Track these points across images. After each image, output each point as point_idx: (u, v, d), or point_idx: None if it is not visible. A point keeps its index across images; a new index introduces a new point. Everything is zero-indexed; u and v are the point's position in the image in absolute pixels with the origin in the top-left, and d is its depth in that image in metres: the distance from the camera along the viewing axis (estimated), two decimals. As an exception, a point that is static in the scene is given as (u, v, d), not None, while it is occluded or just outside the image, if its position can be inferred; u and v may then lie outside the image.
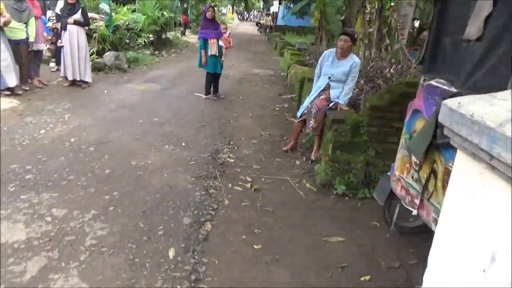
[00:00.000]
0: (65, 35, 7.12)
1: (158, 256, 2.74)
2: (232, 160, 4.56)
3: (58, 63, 8.18)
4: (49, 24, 8.36)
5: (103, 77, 8.67)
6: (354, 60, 4.42)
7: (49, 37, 8.28)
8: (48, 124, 5.24)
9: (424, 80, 2.69)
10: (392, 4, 7.52)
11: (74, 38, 7.15)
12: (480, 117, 1.01)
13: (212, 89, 7.57)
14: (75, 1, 7.15)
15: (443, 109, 1.19)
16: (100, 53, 9.46)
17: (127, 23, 11.32)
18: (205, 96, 7.51)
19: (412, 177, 2.69)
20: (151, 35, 13.30)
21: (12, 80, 6.27)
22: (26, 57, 6.73)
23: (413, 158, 2.66)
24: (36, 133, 4.85)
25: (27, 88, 6.75)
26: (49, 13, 8.72)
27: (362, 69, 6.27)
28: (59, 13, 7.46)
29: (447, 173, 2.26)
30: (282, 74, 10.94)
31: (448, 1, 2.58)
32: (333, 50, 4.60)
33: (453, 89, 2.32)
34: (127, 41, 11.08)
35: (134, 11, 12.73)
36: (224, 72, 8.11)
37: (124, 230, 3.01)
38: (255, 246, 2.96)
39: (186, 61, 12.17)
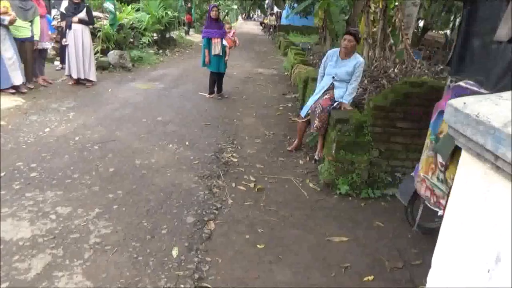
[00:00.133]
0: (69, 34, 7.15)
1: (161, 254, 2.76)
2: (236, 160, 4.57)
3: (62, 61, 8.22)
4: (54, 22, 8.41)
5: (107, 76, 8.70)
6: (358, 59, 4.42)
7: (54, 36, 8.33)
8: (52, 122, 5.27)
9: (451, 81, 2.68)
10: (397, 3, 7.49)
11: (78, 37, 7.18)
12: (486, 117, 1.01)
13: (215, 89, 7.58)
14: (80, 0, 7.17)
15: (448, 109, 1.18)
16: (104, 52, 9.50)
17: (131, 22, 11.34)
18: (209, 96, 7.52)
19: (438, 178, 2.70)
20: (155, 34, 13.32)
21: (18, 78, 6.31)
22: (31, 56, 6.77)
23: (439, 159, 2.67)
24: (40, 131, 4.87)
25: (32, 87, 6.79)
26: (54, 12, 8.76)
27: (366, 69, 6.26)
28: (64, 12, 7.50)
29: None
30: (285, 73, 10.94)
31: (478, 2, 2.58)
32: (337, 50, 4.60)
33: (483, 91, 2.31)
34: (131, 40, 11.10)
35: (138, 10, 12.76)
36: (228, 71, 8.12)
37: (128, 229, 3.02)
38: (258, 246, 2.97)
39: (190, 61, 12.18)
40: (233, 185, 3.93)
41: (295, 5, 18.50)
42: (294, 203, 3.68)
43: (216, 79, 7.50)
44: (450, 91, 2.67)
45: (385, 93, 4.02)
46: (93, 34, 8.57)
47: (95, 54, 8.41)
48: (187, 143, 4.94)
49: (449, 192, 2.52)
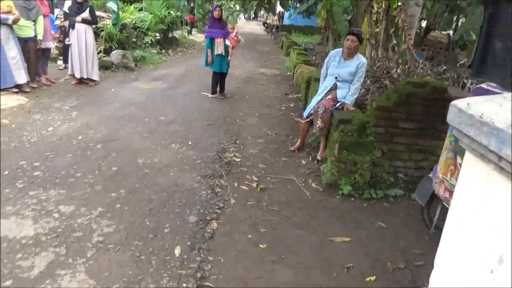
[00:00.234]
0: (73, 34, 7.17)
1: (164, 253, 2.76)
2: (238, 159, 4.57)
3: (65, 61, 8.24)
4: (57, 22, 8.43)
5: (110, 76, 8.72)
6: (360, 60, 4.41)
7: (57, 35, 8.35)
8: (55, 121, 5.29)
9: (472, 83, 2.69)
10: (399, 4, 7.49)
11: (82, 37, 7.21)
12: (489, 118, 1.01)
13: (218, 88, 7.59)
14: (83, 0, 7.19)
15: (452, 109, 1.18)
16: (107, 52, 9.52)
17: (134, 22, 11.37)
18: (211, 95, 7.53)
19: (457, 179, 2.70)
20: (157, 34, 13.35)
21: (21, 77, 6.34)
22: (34, 55, 6.79)
23: (458, 160, 2.67)
24: (44, 130, 4.89)
25: (35, 86, 6.82)
26: (57, 11, 8.78)
27: (369, 69, 6.25)
28: (67, 11, 7.52)
29: None
30: (288, 73, 10.94)
31: (501, 6, 2.58)
32: (339, 50, 4.60)
33: (506, 93, 2.31)
34: (134, 39, 11.13)
35: (141, 9, 12.78)
36: (230, 71, 8.12)
37: (130, 228, 3.03)
38: (260, 245, 2.97)
39: (193, 60, 12.20)
40: (236, 184, 3.94)
41: (298, 5, 18.48)
42: (297, 203, 3.68)
43: (219, 79, 7.51)
44: (471, 93, 2.67)
45: (388, 93, 4.02)
46: (96, 34, 8.60)
47: (98, 53, 8.44)
48: (189, 143, 4.95)
49: None
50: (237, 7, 27.67)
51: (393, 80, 5.86)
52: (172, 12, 13.88)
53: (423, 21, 13.22)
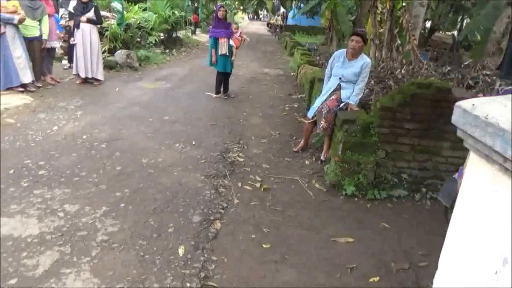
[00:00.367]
0: (77, 33, 7.20)
1: (168, 253, 2.77)
2: (242, 159, 4.58)
3: (70, 60, 8.28)
4: (62, 22, 8.47)
5: (115, 75, 8.75)
6: (365, 60, 4.41)
7: (62, 35, 8.39)
8: (60, 121, 5.31)
9: (501, 85, 2.67)
10: (404, 4, 7.47)
11: (86, 36, 7.23)
12: (495, 119, 1.01)
13: (222, 88, 7.60)
14: (88, 0, 7.22)
15: (457, 110, 1.18)
16: (111, 51, 9.55)
17: (138, 22, 11.40)
18: (215, 95, 7.54)
19: None
20: (162, 34, 13.38)
21: (27, 76, 6.37)
22: (39, 54, 6.83)
23: None
24: (49, 130, 4.92)
25: (40, 85, 6.85)
26: (62, 11, 8.83)
27: (373, 70, 6.25)
28: (72, 11, 7.56)
29: None
30: (292, 74, 10.93)
31: None
32: (343, 50, 4.59)
33: None
34: (138, 39, 11.16)
35: (145, 9, 12.82)
36: (234, 71, 8.13)
37: (134, 227, 3.04)
38: (264, 245, 2.97)
39: (196, 60, 12.22)
40: (239, 184, 3.94)
41: (302, 5, 18.48)
42: (300, 203, 3.68)
43: (223, 78, 7.52)
44: (499, 95, 2.66)
45: (392, 94, 4.01)
46: (101, 34, 8.63)
47: (102, 53, 8.47)
48: (193, 143, 4.97)
49: None
50: (236, 3, 27.66)
51: (397, 81, 5.85)
52: (176, 12, 13.91)
53: (427, 21, 13.19)
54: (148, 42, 11.67)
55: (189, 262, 2.70)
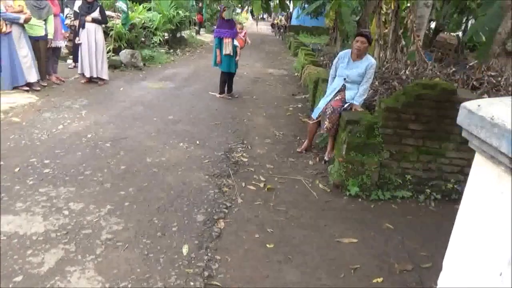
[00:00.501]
0: (83, 33, 7.25)
1: (172, 252, 2.78)
2: (246, 159, 4.58)
3: (75, 60, 8.33)
4: (67, 21, 8.53)
5: (119, 75, 8.79)
6: (369, 61, 4.40)
7: (67, 35, 8.44)
8: (65, 120, 5.34)
9: None
10: (408, 4, 7.45)
11: (91, 36, 7.27)
12: (500, 120, 1.01)
13: (226, 88, 7.61)
14: (93, 0, 7.26)
15: (462, 111, 1.18)
16: (116, 51, 9.60)
17: (143, 22, 11.44)
18: (219, 95, 7.55)
19: None
20: (166, 34, 13.41)
21: (32, 75, 6.42)
22: (44, 54, 6.88)
23: None
24: (54, 128, 4.95)
25: (45, 84, 6.90)
26: (67, 11, 8.89)
27: (377, 70, 6.23)
28: (77, 11, 7.60)
29: None
30: (296, 74, 10.93)
31: None
32: (348, 51, 4.59)
33: None
34: (143, 39, 11.20)
35: (150, 9, 12.85)
36: (238, 71, 8.14)
37: (139, 226, 3.05)
38: (267, 245, 2.98)
39: (201, 60, 12.25)
40: (243, 184, 3.95)
41: (306, 5, 18.46)
42: (304, 203, 3.69)
43: (227, 79, 7.53)
44: None
45: (397, 94, 4.01)
46: (106, 33, 8.66)
47: (107, 53, 8.50)
48: (197, 142, 4.98)
49: None
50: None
51: (402, 82, 5.83)
52: (180, 12, 13.94)
53: (432, 22, 13.14)
54: (152, 42, 11.71)
55: (193, 261, 2.71)
